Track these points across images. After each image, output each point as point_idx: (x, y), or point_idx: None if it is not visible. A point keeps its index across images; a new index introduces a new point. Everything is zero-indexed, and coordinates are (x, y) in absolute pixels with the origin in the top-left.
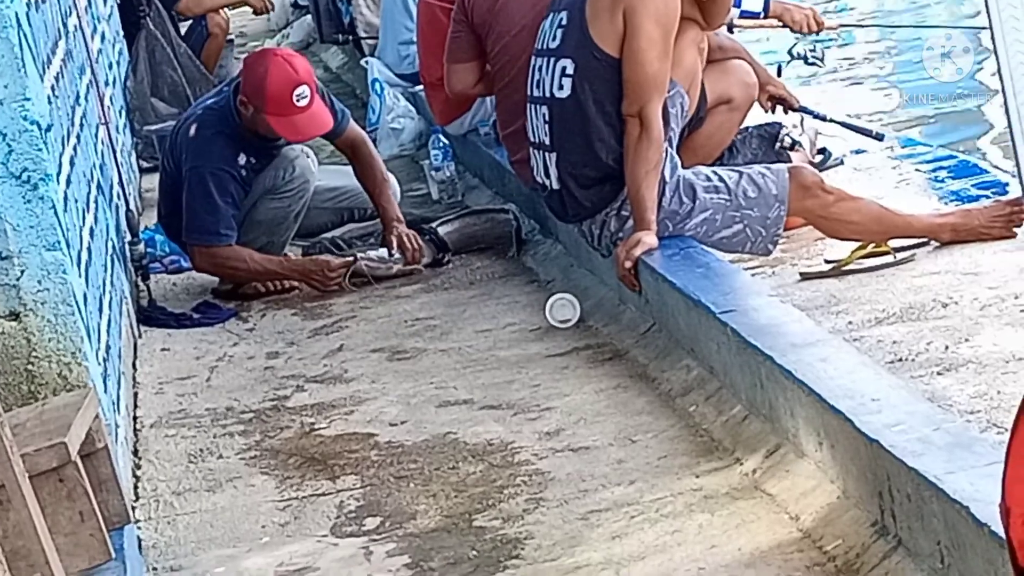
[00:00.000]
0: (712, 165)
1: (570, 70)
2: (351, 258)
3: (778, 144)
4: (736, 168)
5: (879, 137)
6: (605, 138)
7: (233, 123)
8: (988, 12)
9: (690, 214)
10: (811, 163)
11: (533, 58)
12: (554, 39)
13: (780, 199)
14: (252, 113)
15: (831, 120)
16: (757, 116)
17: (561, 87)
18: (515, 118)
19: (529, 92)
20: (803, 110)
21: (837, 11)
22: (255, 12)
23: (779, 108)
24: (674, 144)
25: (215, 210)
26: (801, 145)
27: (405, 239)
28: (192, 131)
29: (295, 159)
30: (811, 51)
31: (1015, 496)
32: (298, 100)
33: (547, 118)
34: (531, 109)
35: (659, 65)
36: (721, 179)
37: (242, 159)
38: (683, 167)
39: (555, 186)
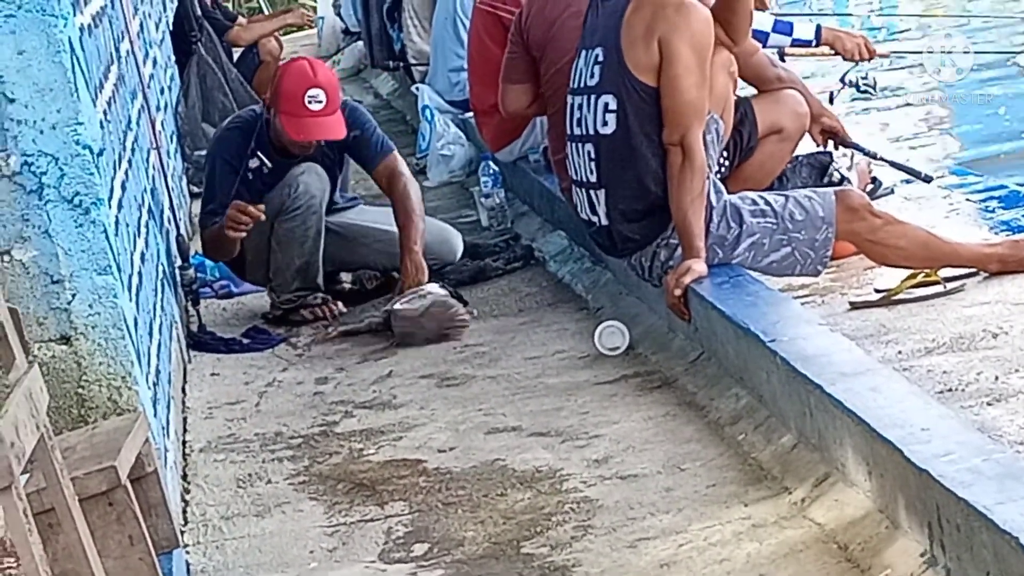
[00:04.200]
0: None
1: (613, 105)
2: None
3: (826, 179)
4: (783, 192)
5: (927, 179)
6: (654, 169)
7: (258, 127)
8: None
9: (738, 239)
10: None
11: (570, 97)
12: (592, 76)
13: (828, 221)
14: (273, 116)
15: (881, 159)
16: (807, 146)
17: (605, 123)
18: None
19: (569, 131)
20: (854, 147)
21: (888, 36)
22: (297, 28)
23: (831, 143)
24: (714, 169)
25: (211, 196)
26: (850, 182)
27: (413, 267)
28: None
29: (299, 175)
30: (863, 79)
31: None
32: (310, 102)
33: (592, 155)
34: (573, 148)
35: (697, 92)
36: (767, 203)
37: (254, 162)
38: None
39: (604, 222)
